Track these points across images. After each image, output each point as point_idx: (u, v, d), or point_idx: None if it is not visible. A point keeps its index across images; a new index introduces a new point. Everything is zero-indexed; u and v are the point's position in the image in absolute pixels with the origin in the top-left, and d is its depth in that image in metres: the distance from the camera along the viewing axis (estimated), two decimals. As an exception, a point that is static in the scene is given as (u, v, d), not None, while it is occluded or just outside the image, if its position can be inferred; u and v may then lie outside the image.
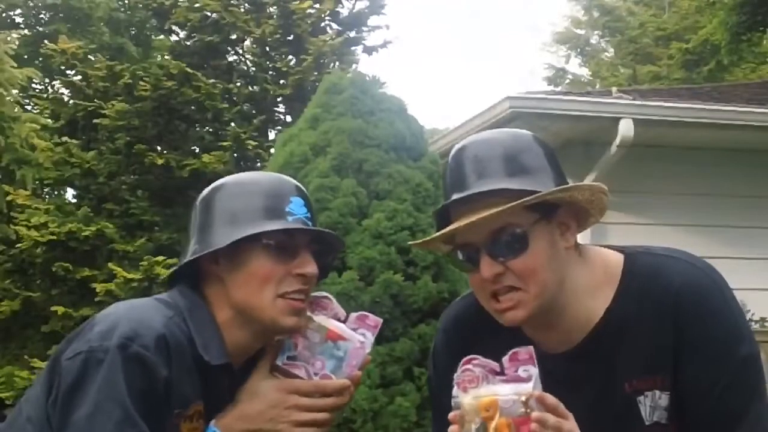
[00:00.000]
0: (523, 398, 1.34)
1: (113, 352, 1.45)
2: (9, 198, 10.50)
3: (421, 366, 3.77)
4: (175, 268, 1.67)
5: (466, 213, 1.49)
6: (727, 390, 1.49)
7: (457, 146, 1.57)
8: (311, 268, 1.59)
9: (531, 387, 1.36)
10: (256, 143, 10.14)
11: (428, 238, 1.59)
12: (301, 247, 1.60)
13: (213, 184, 1.68)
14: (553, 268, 1.50)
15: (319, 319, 1.63)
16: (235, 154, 10.24)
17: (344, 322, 1.65)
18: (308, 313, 1.63)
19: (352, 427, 3.69)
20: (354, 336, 1.62)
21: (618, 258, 1.58)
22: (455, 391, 1.40)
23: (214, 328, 1.58)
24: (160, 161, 10.01)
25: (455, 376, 1.41)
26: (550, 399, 1.36)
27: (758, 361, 1.54)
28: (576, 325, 1.55)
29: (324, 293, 1.67)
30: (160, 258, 8.89)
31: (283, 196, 1.62)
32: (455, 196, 1.51)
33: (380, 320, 1.65)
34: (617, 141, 6.35)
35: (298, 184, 1.68)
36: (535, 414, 1.33)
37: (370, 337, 1.63)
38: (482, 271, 1.49)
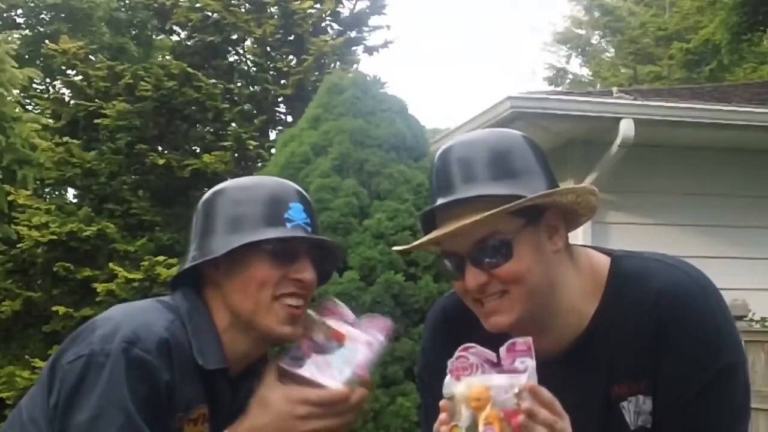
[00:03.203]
0: (516, 390, 1.30)
1: (115, 356, 1.44)
2: (10, 198, 10.51)
3: (422, 366, 3.77)
4: (176, 274, 1.67)
5: (450, 218, 1.46)
6: (698, 401, 1.44)
7: (444, 147, 1.54)
8: (309, 274, 1.59)
9: (526, 379, 1.31)
10: (257, 143, 10.12)
11: (413, 243, 1.56)
12: (300, 253, 1.60)
13: (214, 189, 1.68)
14: (541, 273, 1.46)
15: (326, 320, 1.62)
16: (236, 154, 10.22)
17: (353, 325, 1.64)
18: (315, 317, 1.62)
19: (352, 427, 3.69)
20: (360, 336, 1.60)
21: (605, 261, 1.55)
22: (448, 378, 1.36)
23: (213, 333, 1.58)
24: (161, 161, 9.99)
25: (449, 362, 1.37)
26: (545, 394, 1.31)
27: (738, 375, 1.47)
28: (566, 330, 1.52)
29: (332, 298, 1.67)
30: (161, 258, 8.87)
31: (283, 203, 1.61)
32: (440, 201, 1.48)
33: (390, 322, 1.64)
34: (618, 141, 6.35)
35: (299, 188, 1.68)
36: (525, 404, 1.28)
37: (381, 339, 1.61)
38: (467, 281, 1.46)
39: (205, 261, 1.59)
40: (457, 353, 1.38)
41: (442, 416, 1.34)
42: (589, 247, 1.62)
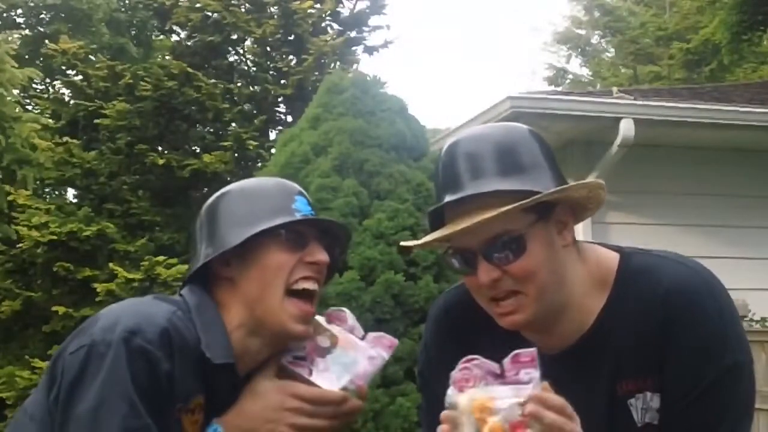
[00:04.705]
0: (521, 401, 1.29)
1: (116, 346, 1.45)
2: (10, 198, 10.50)
3: (422, 366, 3.77)
4: (188, 274, 1.68)
5: (460, 215, 1.45)
6: (702, 399, 1.44)
7: (450, 142, 1.53)
8: (322, 255, 1.63)
9: (530, 390, 1.30)
10: (257, 143, 10.12)
11: (422, 240, 1.55)
12: (310, 238, 1.63)
13: (216, 193, 1.71)
14: (552, 269, 1.46)
15: (333, 327, 1.65)
16: (236, 154, 10.22)
17: (362, 340, 1.66)
18: (324, 324, 1.65)
19: (352, 427, 3.69)
20: (365, 348, 1.62)
21: (613, 257, 1.55)
22: (451, 390, 1.35)
23: (221, 328, 1.59)
24: (161, 161, 9.99)
25: (452, 374, 1.37)
26: (555, 400, 1.31)
27: (744, 374, 1.47)
28: (573, 325, 1.52)
29: (344, 309, 1.70)
30: (161, 258, 8.87)
31: (288, 196, 1.67)
32: (448, 198, 1.47)
33: (396, 341, 1.67)
34: (618, 141, 6.36)
35: (299, 187, 1.72)
36: (529, 407, 1.27)
37: (384, 356, 1.64)
38: (480, 276, 1.45)
39: (215, 259, 1.61)
40: (459, 364, 1.37)
41: (444, 427, 1.33)
42: (596, 243, 1.62)
